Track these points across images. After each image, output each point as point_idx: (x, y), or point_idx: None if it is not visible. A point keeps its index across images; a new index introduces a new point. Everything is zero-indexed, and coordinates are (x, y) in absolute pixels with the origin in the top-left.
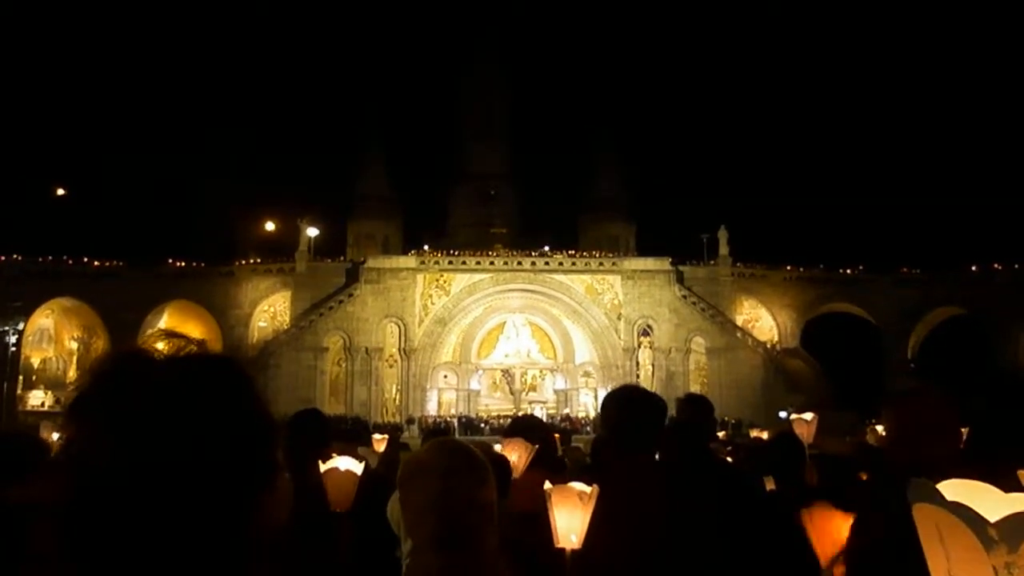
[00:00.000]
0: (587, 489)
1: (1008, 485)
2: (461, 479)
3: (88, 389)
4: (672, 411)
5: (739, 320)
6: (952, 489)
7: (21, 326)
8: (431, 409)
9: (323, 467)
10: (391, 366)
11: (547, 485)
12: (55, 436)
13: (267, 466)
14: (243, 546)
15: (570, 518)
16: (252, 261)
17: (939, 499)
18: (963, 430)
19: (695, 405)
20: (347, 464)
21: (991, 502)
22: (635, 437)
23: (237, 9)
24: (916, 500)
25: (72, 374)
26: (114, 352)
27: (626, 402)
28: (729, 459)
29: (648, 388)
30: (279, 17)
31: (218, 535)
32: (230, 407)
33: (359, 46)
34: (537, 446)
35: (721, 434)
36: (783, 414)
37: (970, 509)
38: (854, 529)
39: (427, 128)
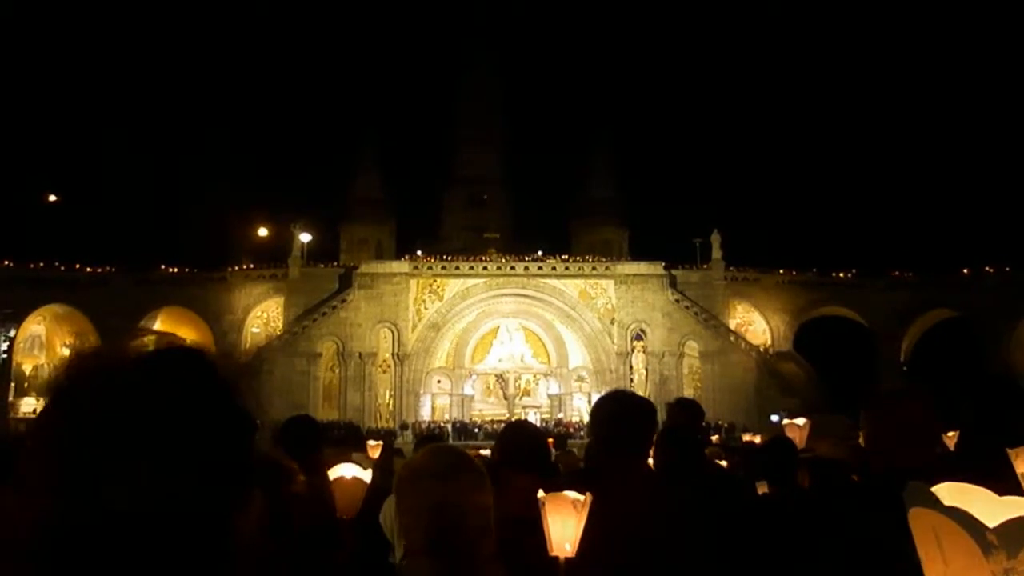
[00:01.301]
0: (580, 497)
1: (998, 487)
2: (457, 484)
3: (50, 407)
4: (663, 416)
5: (732, 324)
6: (948, 493)
7: (13, 333)
8: (425, 414)
9: (331, 474)
10: (384, 371)
11: (540, 493)
12: None
13: (242, 467)
14: (224, 552)
15: (564, 526)
16: (245, 267)
17: (936, 503)
18: (952, 433)
19: (686, 410)
20: (355, 472)
21: (987, 506)
22: (627, 442)
23: (229, 14)
24: (913, 504)
25: None
26: (73, 362)
27: (617, 407)
28: (724, 463)
29: (642, 392)
30: (272, 23)
31: (195, 544)
32: (201, 409)
33: (352, 51)
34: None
35: (714, 438)
36: (775, 418)
37: (968, 514)
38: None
39: (420, 133)
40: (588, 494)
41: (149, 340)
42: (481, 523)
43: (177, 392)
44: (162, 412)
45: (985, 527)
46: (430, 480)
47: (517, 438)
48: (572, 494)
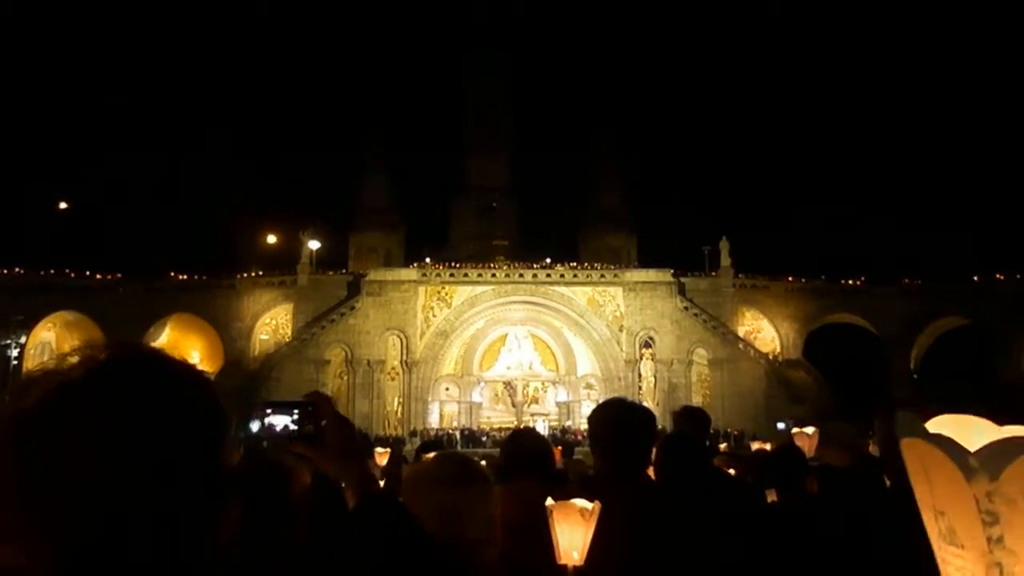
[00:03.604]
0: (589, 506)
1: None
2: (461, 492)
3: (7, 434)
4: (670, 424)
5: (741, 331)
6: (941, 423)
7: (23, 339)
8: (433, 422)
9: None
10: (393, 379)
11: (549, 501)
12: None
13: (211, 471)
14: (194, 559)
15: (572, 534)
16: (254, 274)
17: (923, 431)
18: None
19: (690, 418)
20: None
21: (983, 434)
22: (625, 452)
23: (238, 19)
24: (903, 435)
25: None
26: (25, 384)
27: (614, 417)
28: (732, 471)
29: (650, 400)
30: (281, 29)
31: (164, 554)
32: (161, 417)
33: (361, 59)
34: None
35: (723, 446)
36: (781, 425)
37: (951, 440)
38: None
39: (429, 140)
40: (596, 503)
41: (101, 348)
42: (485, 531)
43: (131, 403)
44: (119, 424)
45: (967, 451)
46: (436, 487)
47: (520, 446)
48: (580, 502)
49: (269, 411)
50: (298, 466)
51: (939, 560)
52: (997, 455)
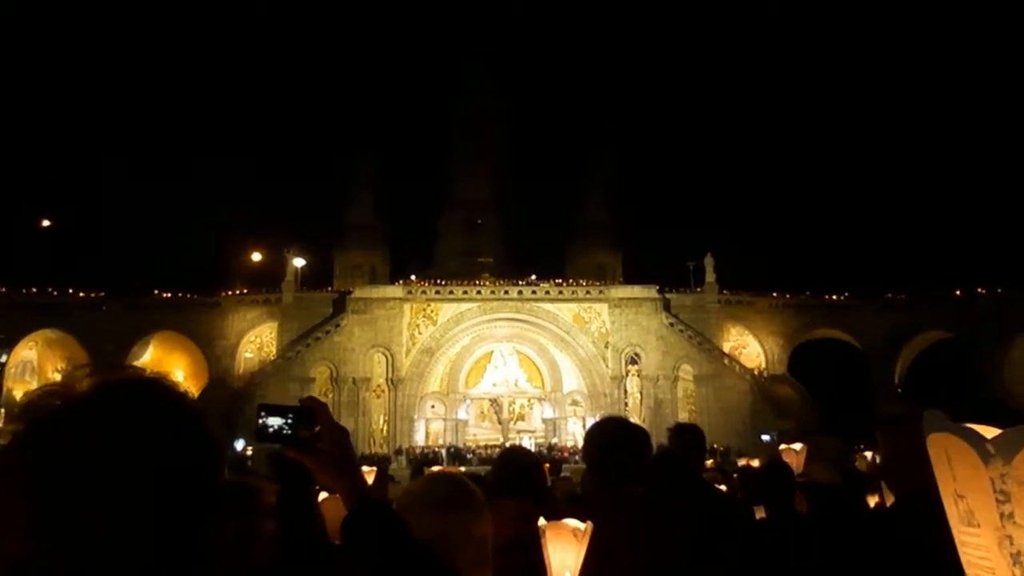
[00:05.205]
0: (581, 526)
1: None
2: (454, 515)
3: (14, 448)
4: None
5: (726, 347)
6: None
7: (4, 358)
8: (419, 439)
9: (323, 495)
10: (378, 396)
11: (541, 521)
12: None
13: (208, 494)
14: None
15: (564, 555)
16: (238, 292)
17: (948, 425)
18: None
19: (686, 435)
20: None
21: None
22: (620, 470)
23: (222, 38)
24: (930, 431)
25: None
26: (33, 402)
27: (610, 435)
28: (723, 487)
29: (636, 416)
30: (266, 45)
31: (165, 572)
32: (163, 440)
33: (347, 76)
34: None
35: (709, 462)
36: (766, 437)
37: (971, 429)
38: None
39: (415, 157)
40: (589, 523)
41: (106, 373)
42: (477, 555)
43: (136, 425)
44: (124, 446)
45: (985, 438)
46: (428, 510)
47: (511, 464)
48: (573, 523)
49: (263, 414)
50: (263, 487)
51: (958, 543)
52: (1011, 441)
